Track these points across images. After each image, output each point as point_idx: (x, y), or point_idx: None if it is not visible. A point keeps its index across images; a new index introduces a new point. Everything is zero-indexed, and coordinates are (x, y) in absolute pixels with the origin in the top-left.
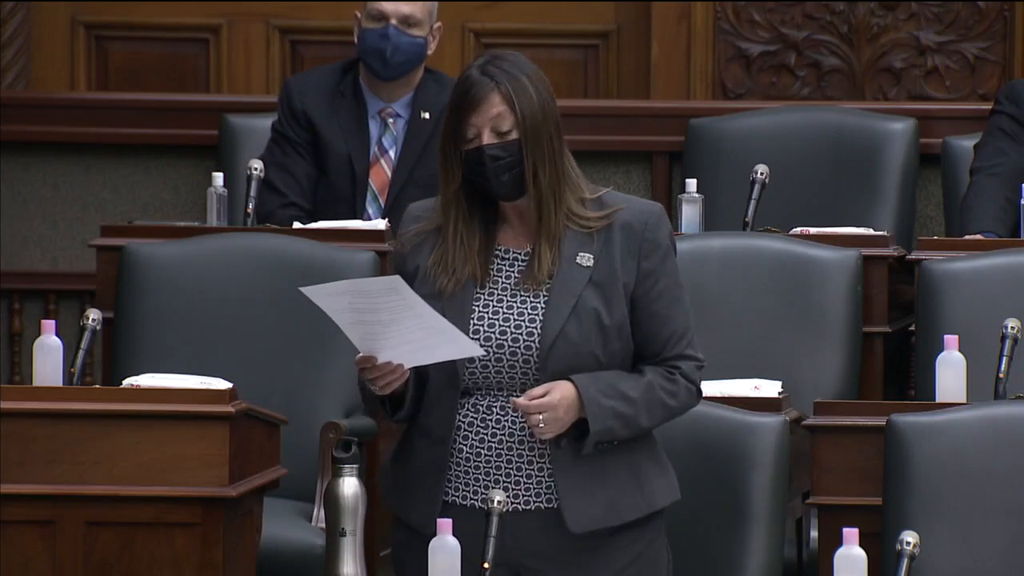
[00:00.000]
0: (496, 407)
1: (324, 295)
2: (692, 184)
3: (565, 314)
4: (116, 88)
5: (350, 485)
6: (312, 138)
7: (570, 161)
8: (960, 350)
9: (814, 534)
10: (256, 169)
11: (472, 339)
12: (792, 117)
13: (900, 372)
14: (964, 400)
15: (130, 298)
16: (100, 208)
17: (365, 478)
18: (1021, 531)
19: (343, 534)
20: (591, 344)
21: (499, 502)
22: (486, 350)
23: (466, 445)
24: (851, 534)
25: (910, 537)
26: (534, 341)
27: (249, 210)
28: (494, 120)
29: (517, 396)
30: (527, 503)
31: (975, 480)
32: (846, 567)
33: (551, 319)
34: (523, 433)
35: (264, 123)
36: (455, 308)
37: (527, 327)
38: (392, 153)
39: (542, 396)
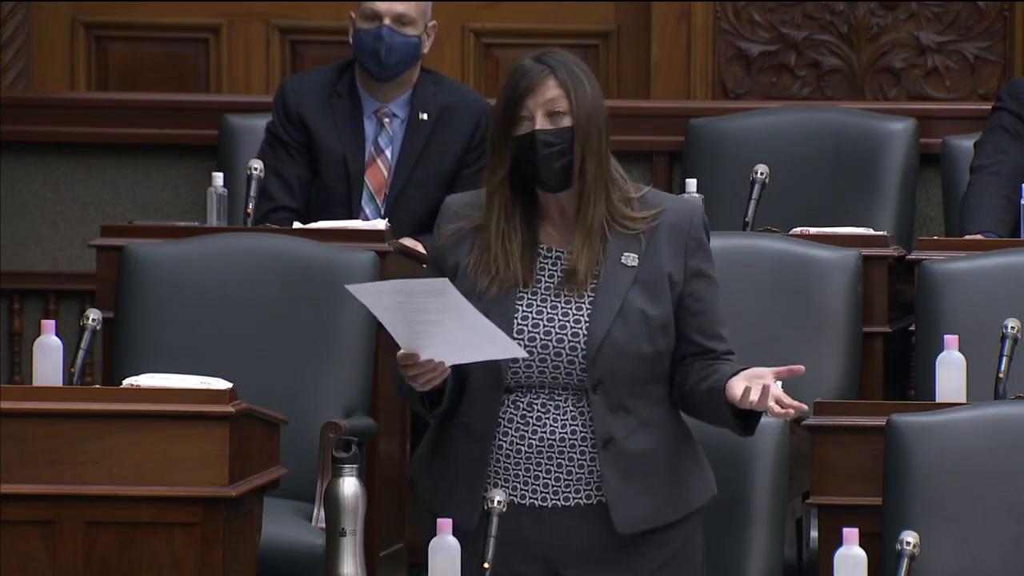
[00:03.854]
0: (537, 404)
1: (370, 293)
2: (692, 184)
3: (611, 316)
4: (116, 88)
5: (350, 485)
6: (306, 139)
7: (614, 162)
8: (960, 350)
9: (814, 534)
10: (256, 169)
11: (516, 339)
12: (792, 117)
13: (900, 372)
14: (964, 400)
15: (130, 298)
16: (100, 208)
17: (365, 478)
18: (1021, 531)
19: (343, 534)
20: (637, 344)
21: (499, 502)
22: (531, 350)
23: (506, 442)
24: (851, 534)
25: (910, 537)
26: (580, 342)
27: (249, 210)
28: (548, 104)
29: (560, 395)
30: (566, 499)
31: (975, 480)
32: (846, 567)
33: (598, 321)
34: (564, 431)
35: (264, 123)
36: (498, 308)
37: (572, 327)
38: (389, 153)
39: (782, 396)
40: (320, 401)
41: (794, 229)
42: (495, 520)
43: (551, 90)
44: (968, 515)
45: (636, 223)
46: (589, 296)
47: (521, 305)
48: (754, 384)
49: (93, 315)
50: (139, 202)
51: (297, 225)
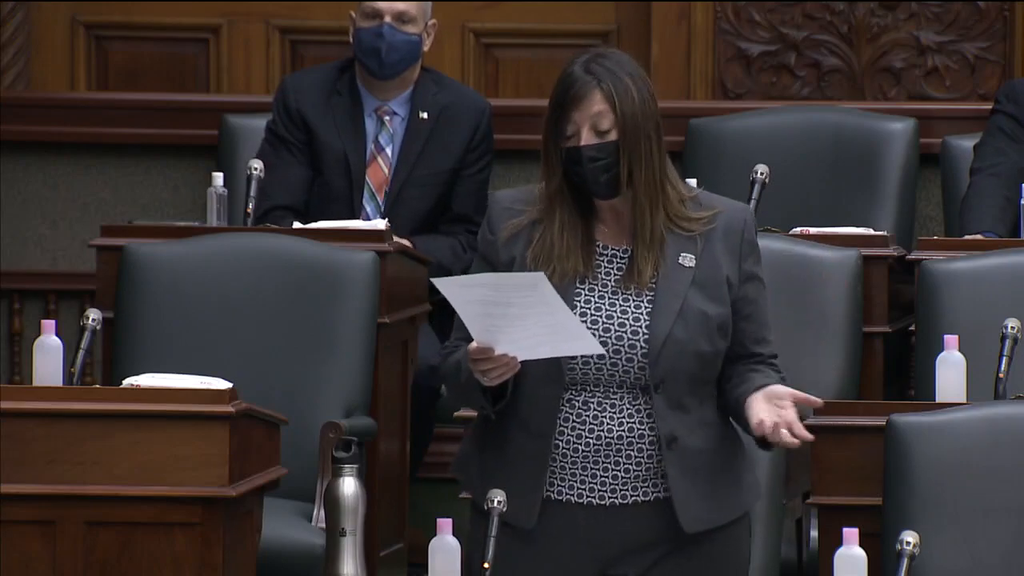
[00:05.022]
0: (593, 403)
1: (456, 286)
2: (692, 184)
3: (672, 316)
4: (116, 88)
5: (350, 485)
6: (307, 137)
7: (668, 161)
8: (960, 350)
9: (814, 534)
10: (256, 169)
11: None
12: (792, 117)
13: (900, 372)
14: (964, 400)
15: (130, 298)
16: (100, 208)
17: (365, 478)
18: (1022, 531)
19: (343, 534)
20: (697, 344)
21: (499, 502)
22: None
23: (562, 441)
24: (851, 534)
25: (910, 537)
26: (640, 341)
27: (249, 210)
28: (594, 118)
29: (616, 393)
30: (624, 497)
31: (975, 480)
32: (846, 567)
33: (659, 321)
34: (622, 429)
35: (264, 123)
36: None
37: (632, 326)
38: (389, 151)
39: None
40: (320, 401)
41: (794, 229)
42: (495, 520)
43: (596, 104)
44: (968, 515)
45: (693, 224)
46: (648, 295)
47: (579, 301)
48: (771, 408)
49: (93, 315)
50: (139, 202)
51: (297, 225)
